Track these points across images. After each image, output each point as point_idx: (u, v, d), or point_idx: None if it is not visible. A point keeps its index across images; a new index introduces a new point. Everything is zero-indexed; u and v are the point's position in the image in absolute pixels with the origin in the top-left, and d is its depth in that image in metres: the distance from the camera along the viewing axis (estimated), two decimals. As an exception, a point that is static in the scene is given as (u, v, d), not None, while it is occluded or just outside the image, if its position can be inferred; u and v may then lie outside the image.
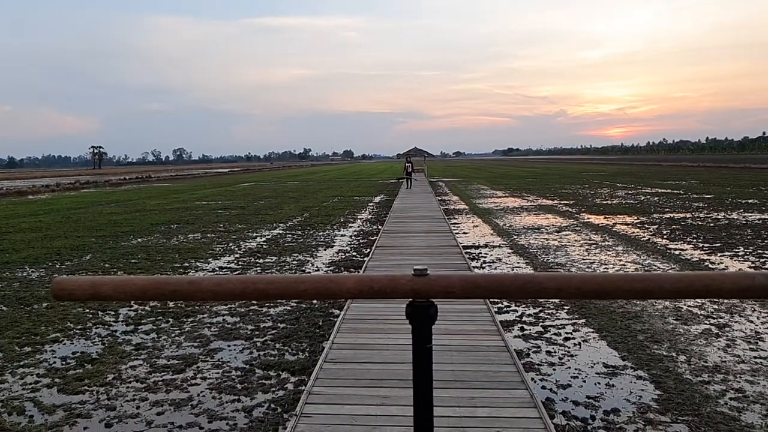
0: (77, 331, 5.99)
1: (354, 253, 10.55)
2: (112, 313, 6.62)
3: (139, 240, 12.64)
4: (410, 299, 0.87)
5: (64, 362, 5.10)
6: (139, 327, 6.10)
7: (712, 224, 13.25)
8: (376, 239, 11.18)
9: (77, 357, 5.22)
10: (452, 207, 19.66)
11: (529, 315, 6.27)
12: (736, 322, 5.84)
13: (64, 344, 5.61)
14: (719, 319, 5.91)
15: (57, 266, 9.72)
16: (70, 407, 4.17)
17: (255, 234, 13.36)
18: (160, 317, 6.40)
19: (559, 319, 6.12)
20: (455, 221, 15.12)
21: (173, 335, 5.81)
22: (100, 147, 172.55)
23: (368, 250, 10.37)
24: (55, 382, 4.65)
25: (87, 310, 6.70)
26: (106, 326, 6.16)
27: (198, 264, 9.74)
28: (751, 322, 5.82)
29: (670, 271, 9.26)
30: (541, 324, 5.96)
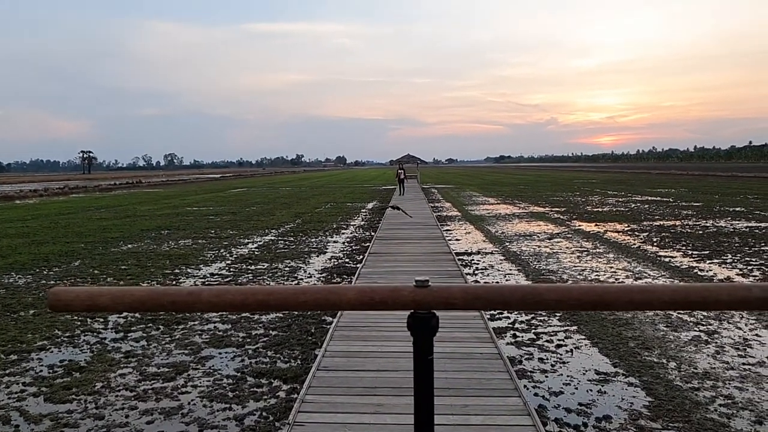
0: (65, 339, 5.91)
1: (347, 260, 10.53)
2: (101, 320, 6.54)
3: (129, 246, 12.52)
4: (411, 310, 0.87)
5: (51, 370, 5.03)
6: (129, 334, 6.03)
7: (700, 232, 13.39)
8: (369, 246, 11.17)
9: (65, 365, 5.15)
10: (445, 214, 19.71)
11: (522, 322, 6.29)
12: (725, 329, 5.90)
13: (52, 352, 5.53)
14: (708, 326, 5.97)
15: (45, 272, 9.60)
16: (57, 416, 4.10)
17: (247, 240, 13.29)
18: (150, 324, 6.33)
19: (551, 326, 6.15)
20: (448, 228, 15.15)
21: (163, 343, 5.75)
22: (89, 152, 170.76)
23: (361, 256, 10.36)
24: (42, 390, 4.58)
25: (75, 318, 6.62)
26: (95, 334, 6.08)
27: (189, 270, 9.66)
28: (740, 329, 5.88)
29: (661, 279, 9.22)
30: (533, 331, 5.97)
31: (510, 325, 6.17)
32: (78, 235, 14.59)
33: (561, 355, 5.27)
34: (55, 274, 9.44)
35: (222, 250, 11.73)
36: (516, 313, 6.60)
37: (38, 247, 12.37)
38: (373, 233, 13.45)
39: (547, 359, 5.17)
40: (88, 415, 4.13)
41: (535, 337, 5.79)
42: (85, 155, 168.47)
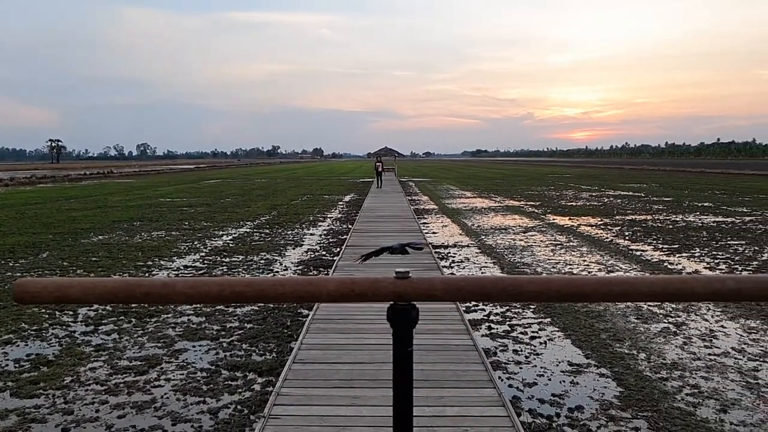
0: (32, 332, 5.73)
1: (323, 252, 10.48)
2: (71, 313, 6.37)
3: (100, 237, 12.21)
4: (391, 302, 0.86)
5: (17, 365, 4.87)
6: (100, 327, 5.88)
7: (670, 226, 13.76)
8: (346, 238, 11.14)
9: (32, 359, 4.99)
10: (422, 207, 19.78)
11: (497, 314, 6.36)
12: (692, 320, 6.08)
13: (18, 346, 5.36)
14: (677, 318, 6.15)
15: (10, 264, 9.29)
16: (24, 411, 3.98)
17: (221, 232, 13.11)
18: (122, 317, 6.19)
19: (525, 318, 6.24)
20: (425, 221, 15.22)
21: (136, 336, 5.63)
22: (58, 140, 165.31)
23: (338, 249, 10.32)
24: (8, 385, 4.43)
25: (43, 310, 6.43)
26: (64, 327, 5.92)
27: (162, 263, 9.48)
28: (706, 320, 6.07)
29: (632, 273, 9.42)
30: (508, 323, 6.05)
31: (485, 317, 6.23)
32: (46, 225, 14.15)
33: (535, 346, 5.36)
34: (21, 266, 9.15)
35: (196, 242, 11.54)
36: (491, 305, 6.67)
37: (3, 238, 11.95)
38: (350, 226, 13.42)
39: (522, 351, 5.25)
40: (56, 409, 4.02)
41: (509, 329, 5.87)
42: (53, 144, 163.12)
